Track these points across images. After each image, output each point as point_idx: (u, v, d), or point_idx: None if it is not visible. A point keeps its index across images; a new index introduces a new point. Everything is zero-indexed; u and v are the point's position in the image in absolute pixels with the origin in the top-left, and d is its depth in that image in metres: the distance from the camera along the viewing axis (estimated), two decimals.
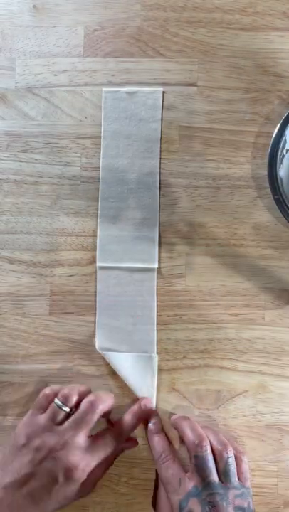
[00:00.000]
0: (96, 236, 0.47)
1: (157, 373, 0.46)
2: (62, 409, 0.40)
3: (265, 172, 0.45)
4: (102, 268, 0.46)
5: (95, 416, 0.40)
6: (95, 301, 0.46)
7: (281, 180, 0.45)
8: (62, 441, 0.39)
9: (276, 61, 0.47)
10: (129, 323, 0.46)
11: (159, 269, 0.47)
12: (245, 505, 0.38)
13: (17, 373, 0.46)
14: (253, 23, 0.47)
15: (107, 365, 0.46)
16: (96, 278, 0.47)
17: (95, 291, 0.46)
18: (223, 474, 0.39)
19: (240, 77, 0.47)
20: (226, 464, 0.40)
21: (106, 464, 0.42)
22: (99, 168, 0.47)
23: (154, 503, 0.44)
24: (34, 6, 0.48)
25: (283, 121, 0.44)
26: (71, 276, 0.47)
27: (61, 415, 0.40)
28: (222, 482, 0.39)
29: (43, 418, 0.40)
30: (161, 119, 0.47)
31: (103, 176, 0.47)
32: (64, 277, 0.47)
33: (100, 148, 0.47)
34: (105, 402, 0.41)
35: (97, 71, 0.48)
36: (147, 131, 0.47)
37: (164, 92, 0.47)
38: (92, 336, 0.46)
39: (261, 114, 0.47)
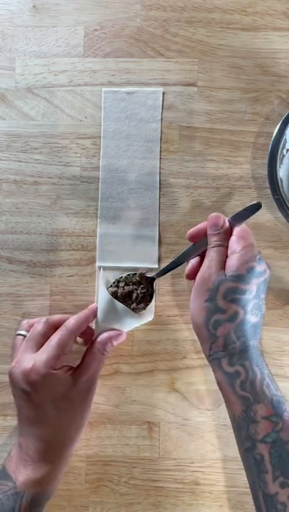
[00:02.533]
0: (96, 236, 0.47)
1: (157, 373, 0.46)
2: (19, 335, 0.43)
3: (265, 172, 0.45)
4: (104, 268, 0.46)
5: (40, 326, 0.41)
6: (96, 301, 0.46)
7: (281, 180, 0.45)
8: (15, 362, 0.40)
9: (276, 61, 0.47)
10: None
11: (159, 269, 0.46)
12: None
13: None
14: (253, 23, 0.47)
15: (107, 365, 0.46)
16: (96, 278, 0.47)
17: (95, 292, 0.46)
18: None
19: (240, 77, 0.47)
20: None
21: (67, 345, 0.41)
22: (99, 168, 0.47)
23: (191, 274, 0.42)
24: (34, 6, 0.48)
25: (283, 121, 0.44)
26: (71, 276, 0.47)
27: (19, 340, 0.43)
28: None
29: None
30: (161, 119, 0.47)
31: (103, 176, 0.47)
32: (64, 277, 0.47)
33: (99, 148, 0.47)
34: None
35: (97, 71, 0.48)
36: (147, 131, 0.47)
37: (164, 93, 0.47)
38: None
39: (261, 114, 0.47)
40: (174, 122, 0.47)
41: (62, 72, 0.48)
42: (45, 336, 0.41)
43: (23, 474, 0.38)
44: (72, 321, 0.41)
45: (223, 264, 0.38)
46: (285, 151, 0.45)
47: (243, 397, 0.36)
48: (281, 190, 0.44)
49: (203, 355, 0.46)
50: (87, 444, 0.46)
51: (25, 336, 0.42)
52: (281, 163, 0.45)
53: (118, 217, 0.47)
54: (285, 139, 0.44)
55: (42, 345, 0.40)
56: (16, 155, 0.48)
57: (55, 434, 0.40)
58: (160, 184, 0.47)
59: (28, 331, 0.43)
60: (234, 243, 0.39)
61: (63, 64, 0.48)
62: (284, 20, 0.47)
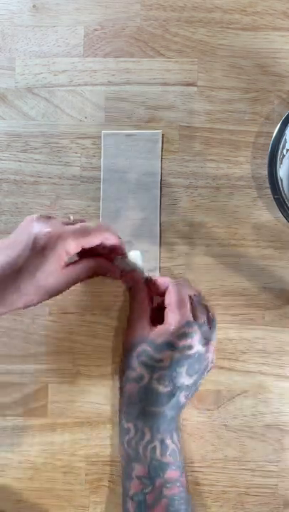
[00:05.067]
0: None
1: None
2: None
3: (265, 172, 0.45)
4: None
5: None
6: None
7: (281, 180, 0.45)
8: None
9: (276, 61, 0.47)
10: None
11: (159, 269, 0.46)
12: (212, 365, 0.42)
13: (17, 373, 0.46)
14: (253, 23, 0.47)
15: (107, 365, 0.46)
16: None
17: (95, 291, 0.46)
18: (211, 326, 0.42)
19: (240, 77, 0.47)
20: (213, 319, 0.42)
21: (94, 264, 0.40)
22: (99, 168, 0.47)
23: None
24: (34, 6, 0.48)
25: (283, 121, 0.44)
26: None
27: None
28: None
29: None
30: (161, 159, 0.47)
31: (104, 176, 0.47)
32: None
33: (99, 148, 0.47)
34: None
35: (97, 71, 0.48)
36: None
37: (163, 135, 0.47)
38: (92, 335, 0.46)
39: (261, 114, 0.47)
40: (174, 122, 0.47)
41: (62, 72, 0.48)
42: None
43: None
44: (114, 236, 0.40)
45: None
46: (285, 151, 0.45)
47: (127, 452, 0.39)
48: (281, 190, 0.44)
49: None
50: (87, 444, 0.46)
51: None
52: (281, 163, 0.45)
53: (118, 217, 0.47)
54: (285, 139, 0.44)
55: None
56: (16, 155, 0.48)
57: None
58: (160, 184, 0.47)
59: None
60: (167, 308, 0.40)
61: (63, 64, 0.48)
62: (284, 20, 0.47)
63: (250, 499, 0.45)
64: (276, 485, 0.45)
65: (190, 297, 0.41)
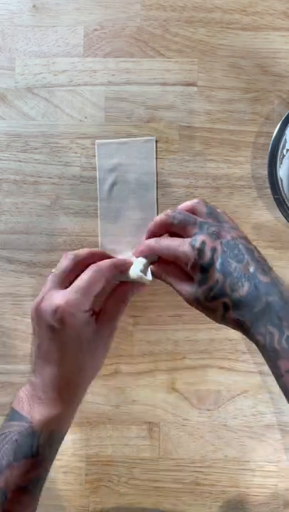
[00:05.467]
0: (96, 236, 0.47)
1: (157, 374, 0.46)
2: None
3: (265, 172, 0.45)
4: None
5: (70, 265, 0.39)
6: None
7: (281, 180, 0.45)
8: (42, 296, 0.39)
9: (276, 61, 0.47)
10: None
11: None
12: (243, 234, 0.39)
13: (17, 373, 0.46)
14: (253, 23, 0.47)
15: (107, 365, 0.46)
16: None
17: None
18: (211, 216, 0.40)
19: (240, 76, 0.47)
20: (204, 207, 0.40)
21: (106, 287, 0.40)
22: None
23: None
24: (34, 6, 0.48)
25: (283, 121, 0.44)
26: None
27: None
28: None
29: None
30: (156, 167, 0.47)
31: (102, 175, 0.47)
32: None
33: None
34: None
35: (97, 71, 0.48)
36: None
37: (156, 141, 0.47)
38: None
39: (261, 114, 0.47)
40: (174, 122, 0.47)
41: (62, 72, 0.48)
42: (73, 272, 0.39)
43: (38, 413, 0.37)
44: (108, 262, 0.40)
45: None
46: (285, 151, 0.45)
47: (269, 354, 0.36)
48: (281, 190, 0.44)
49: (203, 356, 0.46)
50: (87, 444, 0.46)
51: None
52: (281, 163, 0.45)
53: (118, 217, 0.47)
54: (285, 139, 0.44)
55: (70, 283, 0.39)
56: (16, 155, 0.48)
57: (74, 373, 0.39)
58: (158, 184, 0.47)
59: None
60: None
61: (63, 64, 0.48)
62: (284, 20, 0.47)
63: (250, 499, 0.45)
64: (276, 485, 0.45)
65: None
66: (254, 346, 0.46)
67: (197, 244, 0.37)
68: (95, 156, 0.47)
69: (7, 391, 0.46)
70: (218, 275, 0.37)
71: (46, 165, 0.47)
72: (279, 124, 0.45)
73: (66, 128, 0.48)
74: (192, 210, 0.41)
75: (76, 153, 0.47)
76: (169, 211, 0.40)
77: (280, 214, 0.45)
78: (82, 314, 0.37)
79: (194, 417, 0.46)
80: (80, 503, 0.45)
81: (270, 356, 0.36)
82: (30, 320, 0.47)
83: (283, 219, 0.45)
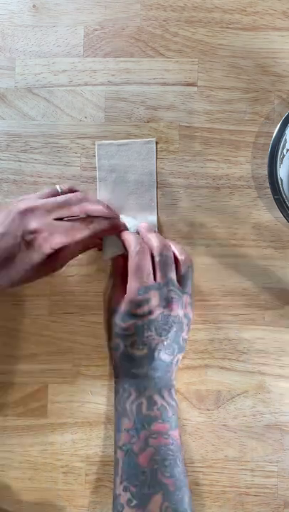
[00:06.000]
0: None
1: None
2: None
3: (265, 172, 0.45)
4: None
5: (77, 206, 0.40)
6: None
7: (281, 180, 0.45)
8: (34, 208, 0.39)
9: (276, 61, 0.47)
10: None
11: None
12: (191, 315, 0.43)
13: (17, 373, 0.46)
14: (253, 23, 0.47)
15: (107, 365, 0.46)
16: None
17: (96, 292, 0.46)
18: (183, 279, 0.42)
19: (240, 77, 0.47)
20: (187, 270, 0.42)
21: (81, 245, 0.41)
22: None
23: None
24: (34, 6, 0.48)
25: (283, 121, 0.44)
26: (71, 276, 0.47)
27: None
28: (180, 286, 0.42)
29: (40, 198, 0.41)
30: (156, 168, 0.47)
31: (102, 176, 0.47)
32: (64, 277, 0.47)
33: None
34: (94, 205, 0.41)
35: (97, 71, 0.48)
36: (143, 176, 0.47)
37: (156, 142, 0.47)
38: (92, 336, 0.46)
39: (261, 114, 0.47)
40: (173, 122, 0.47)
41: (62, 72, 0.48)
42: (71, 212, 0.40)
43: None
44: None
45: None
46: (285, 151, 0.45)
47: (117, 409, 0.42)
48: (281, 190, 0.44)
49: (203, 356, 0.46)
50: (87, 444, 0.46)
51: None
52: (281, 163, 0.45)
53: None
54: (285, 139, 0.44)
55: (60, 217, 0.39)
56: (15, 155, 0.48)
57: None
58: (158, 184, 0.47)
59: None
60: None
61: (63, 64, 0.48)
62: (284, 20, 0.47)
63: (250, 499, 0.45)
64: (276, 485, 0.45)
65: (152, 257, 0.41)
66: (254, 346, 0.46)
67: (142, 297, 0.40)
68: (94, 156, 0.47)
69: (7, 391, 0.46)
70: (136, 325, 0.40)
71: (46, 165, 0.47)
72: (279, 124, 0.45)
73: (66, 128, 0.48)
74: (176, 260, 0.42)
75: (76, 153, 0.47)
76: (160, 245, 0.42)
77: (280, 214, 0.45)
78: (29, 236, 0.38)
79: (194, 417, 0.46)
80: (80, 503, 0.45)
81: (118, 411, 0.41)
82: (30, 320, 0.47)
83: (283, 219, 0.45)
